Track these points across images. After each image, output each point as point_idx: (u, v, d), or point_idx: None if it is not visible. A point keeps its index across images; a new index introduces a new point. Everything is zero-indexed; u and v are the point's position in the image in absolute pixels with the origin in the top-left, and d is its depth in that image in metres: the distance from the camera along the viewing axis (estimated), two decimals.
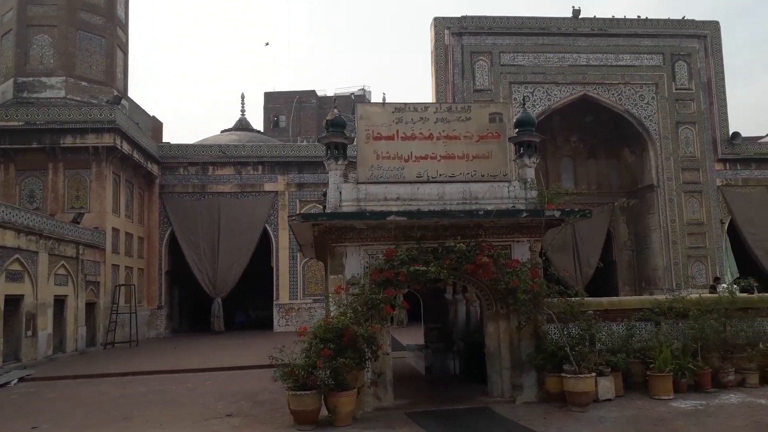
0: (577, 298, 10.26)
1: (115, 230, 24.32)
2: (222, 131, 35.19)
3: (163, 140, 32.31)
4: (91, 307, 22.20)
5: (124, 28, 26.75)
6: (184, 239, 28.20)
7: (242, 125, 35.36)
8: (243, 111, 35.87)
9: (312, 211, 23.70)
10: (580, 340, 10.01)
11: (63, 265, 19.95)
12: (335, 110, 10.37)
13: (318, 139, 9.95)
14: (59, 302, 19.87)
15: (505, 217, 10.03)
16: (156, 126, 36.82)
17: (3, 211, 16.68)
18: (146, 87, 73.05)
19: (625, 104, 29.73)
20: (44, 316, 18.56)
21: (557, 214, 10.08)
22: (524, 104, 11.68)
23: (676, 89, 30.28)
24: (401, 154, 10.42)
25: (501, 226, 10.33)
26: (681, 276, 28.44)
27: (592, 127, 31.46)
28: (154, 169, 27.76)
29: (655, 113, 29.92)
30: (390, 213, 9.72)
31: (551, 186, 10.70)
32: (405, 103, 10.59)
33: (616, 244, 31.63)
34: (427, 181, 10.42)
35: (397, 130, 10.47)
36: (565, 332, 10.20)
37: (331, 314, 9.56)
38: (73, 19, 24.20)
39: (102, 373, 15.70)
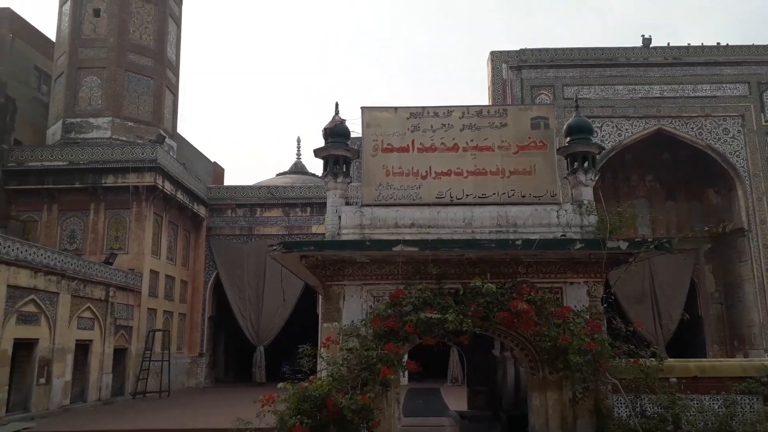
0: (654, 362, 7.31)
1: (154, 272, 22.92)
2: (277, 175, 33.98)
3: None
4: (120, 353, 20.58)
5: (174, 69, 26.14)
6: (228, 283, 26.57)
7: (297, 169, 34.05)
8: (299, 154, 34.63)
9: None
10: (660, 421, 7.05)
11: (89, 307, 18.48)
12: (337, 117, 8.17)
13: (314, 151, 7.69)
14: (83, 347, 18.32)
15: (553, 250, 7.38)
16: (217, 171, 36.12)
17: (18, 249, 15.39)
18: (210, 133, 74.59)
19: (706, 139, 26.12)
20: (62, 362, 16.98)
21: (624, 245, 7.32)
22: (577, 106, 9.07)
23: (765, 121, 26.43)
24: (417, 170, 8.08)
25: (548, 262, 7.66)
26: None
27: (669, 165, 27.88)
28: (201, 210, 26.54)
29: (742, 148, 26.12)
30: (397, 242, 7.28)
31: (615, 209, 7.95)
32: (423, 107, 8.28)
33: (702, 297, 27.46)
34: (451, 204, 7.98)
35: (413, 140, 8.15)
36: (638, 407, 7.28)
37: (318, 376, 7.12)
38: (121, 60, 23.70)
39: (103, 430, 13.71)
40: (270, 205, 27.39)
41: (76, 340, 17.87)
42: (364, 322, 7.36)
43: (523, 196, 7.97)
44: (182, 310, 25.74)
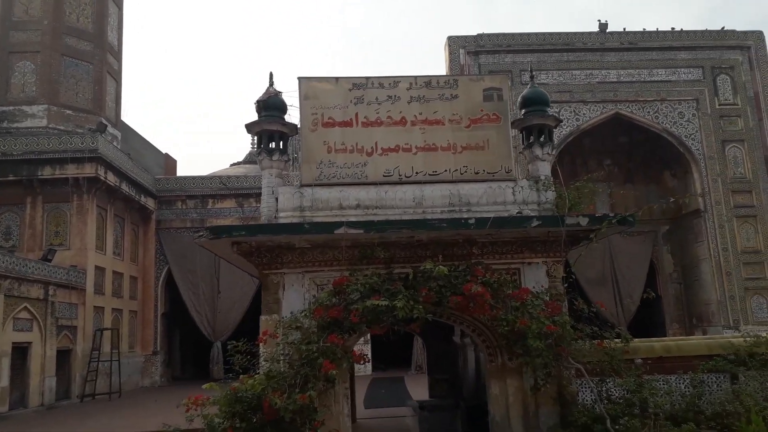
0: (619, 343, 6.85)
1: (99, 269, 21.71)
2: (231, 165, 32.85)
3: None
4: (65, 354, 19.41)
5: (116, 54, 24.78)
6: (181, 278, 25.47)
7: (252, 158, 32.89)
8: (253, 144, 33.49)
9: None
10: (627, 405, 6.61)
11: (26, 307, 17.30)
12: (271, 88, 7.45)
13: (245, 126, 6.95)
14: (21, 350, 17.15)
15: (509, 228, 6.84)
16: (169, 163, 34.69)
17: None
18: (161, 124, 72.28)
19: (662, 122, 26.17)
20: None
21: (584, 221, 6.83)
22: (532, 77, 8.55)
23: (719, 105, 26.65)
24: (362, 146, 7.43)
25: (504, 242, 7.13)
26: (738, 311, 24.44)
27: (627, 149, 27.93)
28: (149, 203, 25.33)
29: (697, 131, 26.30)
30: (340, 224, 6.63)
31: (573, 184, 7.47)
32: (366, 77, 7.62)
33: (661, 277, 27.70)
34: (399, 182, 7.36)
35: (357, 114, 7.49)
36: (603, 392, 6.85)
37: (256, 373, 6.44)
38: (57, 44, 22.26)
39: None
40: (222, 196, 26.35)
41: (13, 343, 16.69)
42: (305, 313, 6.69)
43: (477, 173, 7.42)
44: (133, 307, 24.56)
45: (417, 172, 7.36)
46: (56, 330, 18.76)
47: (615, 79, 26.38)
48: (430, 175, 7.37)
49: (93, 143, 20.82)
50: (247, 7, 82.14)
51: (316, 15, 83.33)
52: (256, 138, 7.42)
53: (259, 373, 6.33)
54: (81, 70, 22.86)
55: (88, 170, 20.68)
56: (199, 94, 79.68)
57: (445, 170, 7.37)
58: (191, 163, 72.78)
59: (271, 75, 7.56)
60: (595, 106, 26.05)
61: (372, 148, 7.38)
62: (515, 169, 7.50)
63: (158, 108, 74.55)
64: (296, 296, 7.00)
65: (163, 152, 34.26)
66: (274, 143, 7.34)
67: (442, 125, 7.47)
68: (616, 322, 21.75)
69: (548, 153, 7.51)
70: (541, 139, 7.51)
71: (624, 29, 27.42)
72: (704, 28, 28.09)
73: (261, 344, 6.81)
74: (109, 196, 22.35)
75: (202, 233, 6.69)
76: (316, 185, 7.27)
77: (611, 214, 6.85)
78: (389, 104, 7.48)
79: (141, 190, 24.47)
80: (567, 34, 27.08)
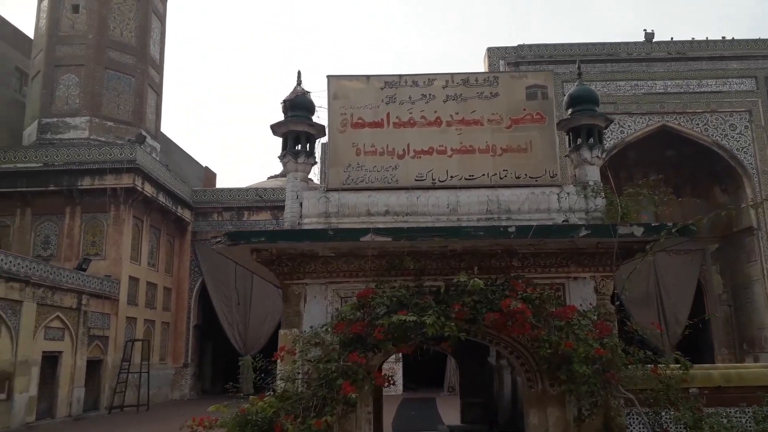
0: (678, 370, 6.04)
1: (134, 279, 21.67)
2: (268, 178, 32.77)
3: None
4: (95, 365, 19.30)
5: (158, 67, 25.00)
6: (214, 290, 25.28)
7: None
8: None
9: None
10: None
11: (58, 316, 17.24)
12: (299, 87, 6.96)
13: (271, 127, 6.48)
14: (50, 359, 17.07)
15: (553, 238, 6.13)
16: (209, 176, 34.97)
17: None
18: (203, 137, 73.40)
19: (712, 135, 24.94)
20: (25, 376, 15.70)
21: (638, 231, 6.07)
22: (579, 74, 7.85)
23: None
24: (393, 148, 6.84)
25: (547, 254, 6.41)
26: None
27: (674, 163, 26.64)
28: (186, 215, 25.32)
29: (749, 144, 24.94)
30: (366, 231, 6.05)
31: (626, 190, 6.73)
32: (399, 75, 7.05)
33: (709, 299, 26.21)
34: (433, 187, 6.74)
35: (388, 114, 6.92)
36: (658, 425, 6.04)
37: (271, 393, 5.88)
38: (101, 58, 22.57)
39: None
40: (258, 208, 26.17)
41: (43, 352, 16.61)
42: (326, 328, 6.11)
43: (518, 177, 6.74)
44: (165, 319, 24.46)
45: (452, 177, 6.73)
46: (87, 340, 18.68)
47: (662, 90, 25.33)
48: (466, 179, 6.73)
49: (131, 154, 20.90)
50: (290, 17, 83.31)
51: (353, 27, 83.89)
52: (281, 140, 6.93)
53: (273, 393, 5.76)
54: (123, 83, 23.09)
55: (126, 181, 20.75)
56: (241, 107, 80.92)
57: (483, 174, 6.72)
58: (231, 176, 73.73)
59: (299, 74, 7.10)
60: (641, 117, 25.03)
61: (404, 150, 6.80)
62: (560, 173, 6.81)
63: (200, 121, 75.91)
64: (318, 309, 6.43)
65: (203, 165, 34.53)
66: (300, 145, 6.84)
67: (481, 126, 6.84)
68: (661, 345, 20.52)
69: (597, 156, 6.80)
70: (590, 141, 6.81)
71: (671, 38, 26.32)
72: (757, 37, 26.75)
73: (279, 361, 6.24)
74: (146, 206, 22.37)
75: (219, 239, 6.20)
76: (343, 190, 6.72)
77: (669, 224, 6.08)
78: (423, 103, 6.90)
79: (178, 201, 24.47)
80: (611, 44, 26.14)
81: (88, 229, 21.00)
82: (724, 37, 26.31)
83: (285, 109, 6.90)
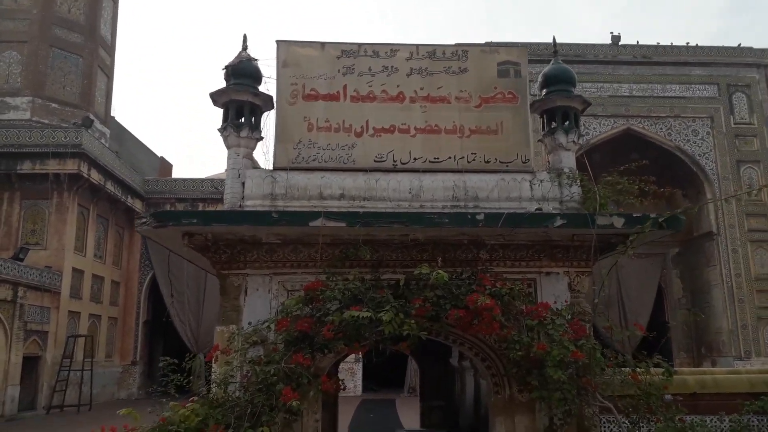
0: (662, 376, 5.46)
1: (78, 271, 20.35)
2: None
3: None
4: (32, 361, 17.99)
5: (109, 48, 23.66)
6: (165, 285, 24.05)
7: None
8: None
9: None
10: None
11: None
12: (244, 53, 6.15)
13: (210, 95, 5.64)
14: None
15: (526, 227, 5.49)
16: (164, 166, 33.48)
17: None
18: (159, 126, 71.22)
19: (675, 140, 25.03)
20: None
21: (619, 222, 5.48)
22: (555, 52, 7.25)
23: (735, 123, 25.50)
24: (350, 125, 6.10)
25: (518, 246, 5.77)
26: (751, 341, 23.07)
27: (636, 167, 26.54)
28: (136, 204, 24.02)
29: (711, 150, 25.11)
30: (317, 214, 5.29)
31: (603, 178, 6.17)
32: (359, 44, 6.31)
33: (669, 302, 26.30)
34: (393, 170, 6.03)
35: (345, 86, 6.17)
36: None
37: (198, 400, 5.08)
38: (45, 35, 21.14)
39: None
40: (214, 200, 25.00)
41: None
42: (268, 324, 5.34)
43: (487, 162, 6.08)
44: (113, 314, 23.16)
45: (415, 158, 6.03)
46: (24, 335, 17.36)
47: (627, 93, 25.30)
48: (431, 162, 6.04)
49: (77, 138, 19.61)
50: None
51: (322, 18, 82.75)
52: (222, 110, 6.10)
53: (200, 397, 4.97)
54: (70, 63, 21.70)
55: (70, 166, 19.46)
56: (203, 94, 78.86)
57: (449, 157, 6.04)
58: (189, 168, 71.64)
59: (245, 38, 6.28)
60: (606, 120, 24.92)
61: (362, 127, 6.06)
62: (533, 158, 6.19)
63: (157, 109, 73.56)
64: (261, 303, 5.64)
65: (159, 155, 33.10)
66: (244, 118, 6.03)
67: (448, 103, 6.15)
68: (621, 349, 20.34)
69: (573, 141, 6.20)
70: (566, 124, 6.21)
71: (637, 42, 26.31)
72: (720, 44, 27.00)
73: (214, 363, 5.43)
74: (93, 195, 21.06)
75: (145, 220, 5.36)
76: (292, 169, 5.94)
77: (653, 215, 5.51)
78: (384, 76, 6.17)
79: (128, 190, 23.18)
80: (578, 45, 25.98)
81: (27, 216, 19.62)
82: (688, 44, 26.46)
83: (227, 76, 6.08)
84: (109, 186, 21.60)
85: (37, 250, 18.99)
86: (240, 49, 6.21)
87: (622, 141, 24.86)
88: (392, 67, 6.23)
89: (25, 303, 17.35)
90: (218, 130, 6.03)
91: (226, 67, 6.05)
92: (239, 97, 5.99)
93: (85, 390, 19.67)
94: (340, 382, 5.81)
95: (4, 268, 16.53)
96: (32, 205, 19.65)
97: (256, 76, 6.14)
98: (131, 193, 23.52)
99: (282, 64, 6.15)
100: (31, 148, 19.33)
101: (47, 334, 18.67)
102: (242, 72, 6.04)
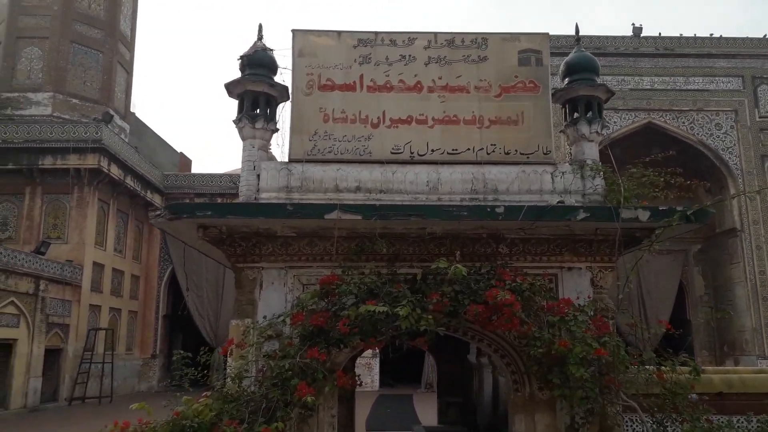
0: (689, 374, 5.27)
1: (98, 265, 20.52)
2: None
3: None
4: (54, 354, 18.17)
5: (128, 44, 23.77)
6: (184, 278, 24.18)
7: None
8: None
9: None
10: None
11: (12, 301, 16.09)
12: (259, 42, 6.05)
13: (225, 86, 5.54)
14: (4, 347, 15.94)
15: (547, 220, 5.32)
16: (184, 162, 33.67)
17: None
18: (180, 123, 71.64)
19: (698, 134, 24.48)
20: None
21: (644, 215, 5.28)
22: (578, 39, 7.05)
23: (759, 117, 24.87)
24: (367, 115, 5.97)
25: (539, 240, 5.60)
26: None
27: (659, 161, 26.00)
28: (155, 199, 24.15)
29: (735, 145, 24.54)
30: (333, 206, 5.17)
31: (627, 171, 5.98)
32: (375, 32, 6.17)
33: (690, 300, 25.81)
34: (411, 161, 5.89)
35: (362, 76, 6.03)
36: None
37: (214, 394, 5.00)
38: (66, 31, 21.29)
39: None
40: (233, 195, 25.04)
41: None
42: (284, 319, 5.24)
43: (507, 153, 5.91)
44: (133, 308, 23.34)
45: (433, 150, 5.88)
46: (46, 327, 17.53)
47: (648, 87, 24.80)
48: (449, 153, 5.88)
49: (97, 133, 19.73)
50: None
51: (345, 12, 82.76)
52: (237, 102, 6.01)
53: (215, 391, 4.89)
54: (90, 59, 21.84)
55: (91, 161, 19.58)
56: (218, 92, 79.26)
57: (468, 148, 5.88)
58: (209, 164, 72.15)
59: (260, 27, 6.17)
60: (627, 114, 24.48)
61: (379, 118, 5.93)
62: (555, 150, 5.99)
63: (177, 105, 74.10)
64: (276, 297, 5.54)
65: (178, 151, 33.30)
66: (259, 109, 5.93)
67: (467, 93, 5.99)
68: (642, 347, 20.03)
69: (597, 132, 5.99)
70: (589, 114, 6.00)
71: (659, 34, 25.78)
72: (745, 35, 26.31)
73: (229, 357, 5.35)
74: (113, 189, 21.21)
75: (159, 212, 5.28)
76: (307, 161, 5.83)
77: (681, 208, 5.30)
78: (402, 65, 6.03)
79: (147, 185, 23.31)
80: (598, 37, 25.55)
81: (49, 211, 19.79)
82: (712, 35, 25.85)
83: (242, 67, 5.97)
84: (129, 181, 21.75)
85: (58, 244, 19.18)
86: (255, 39, 6.10)
87: (643, 135, 24.39)
88: (410, 56, 6.08)
89: (47, 296, 17.53)
90: (233, 121, 5.94)
91: (241, 57, 5.95)
92: (254, 88, 5.88)
93: (106, 382, 19.87)
94: (357, 378, 5.68)
95: (26, 262, 16.70)
96: (54, 199, 19.83)
97: (272, 67, 6.03)
98: (150, 188, 23.66)
99: (297, 54, 6.03)
100: (52, 143, 19.51)
101: (69, 327, 18.86)
102: (257, 62, 5.94)
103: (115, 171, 20.61)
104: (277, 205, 5.38)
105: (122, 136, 22.46)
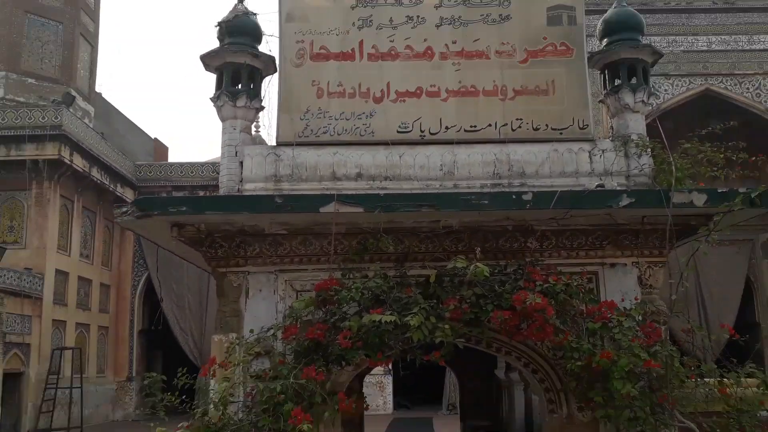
0: (757, 388, 5.22)
1: (62, 273, 20.70)
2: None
3: None
4: (13, 378, 18.34)
5: (92, 13, 23.89)
6: (163, 288, 24.30)
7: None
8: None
9: None
10: None
11: None
12: (240, 6, 6.02)
13: (201, 57, 5.53)
14: None
15: (584, 209, 5.26)
16: (159, 149, 33.84)
17: None
18: (154, 106, 72.01)
19: (765, 101, 24.32)
20: None
21: (700, 200, 5.20)
22: None
23: None
24: (368, 88, 5.96)
25: (575, 232, 5.57)
26: None
27: (719, 135, 25.89)
28: (127, 194, 24.30)
29: None
30: (330, 197, 5.14)
31: (682, 144, 5.92)
32: None
33: (759, 299, 25.70)
34: (421, 142, 5.86)
35: (362, 42, 6.01)
36: None
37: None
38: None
39: None
40: (216, 187, 25.10)
41: None
42: (274, 332, 5.23)
43: (536, 129, 5.86)
44: (103, 322, 23.54)
45: (447, 128, 5.83)
46: (3, 348, 17.68)
47: (705, 48, 24.71)
48: (466, 131, 5.84)
49: (56, 118, 19.87)
50: None
51: None
52: (216, 75, 5.98)
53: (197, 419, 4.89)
54: (48, 31, 21.95)
55: (50, 151, 19.74)
56: (199, 71, 79.62)
57: (489, 125, 5.83)
58: (186, 151, 72.52)
59: None
60: (680, 80, 24.37)
61: (382, 91, 5.89)
62: (592, 123, 5.93)
63: (151, 85, 74.55)
64: (265, 306, 5.53)
65: (153, 137, 33.49)
66: (241, 84, 5.91)
67: (486, 59, 5.93)
68: (702, 356, 19.95)
69: (642, 101, 5.91)
70: (633, 81, 5.93)
71: None
72: None
73: (211, 378, 5.35)
74: (77, 184, 21.37)
75: (126, 209, 5.27)
76: (299, 144, 5.80)
77: (745, 191, 5.21)
78: (409, 28, 5.98)
79: (117, 177, 23.49)
80: None
81: (4, 211, 20.02)
82: None
83: (221, 35, 5.98)
84: (95, 173, 21.89)
85: (15, 249, 19.30)
86: (236, 1, 6.07)
87: (699, 105, 24.26)
88: (418, 16, 6.05)
89: (3, 311, 17.67)
90: (210, 99, 5.95)
91: (219, 24, 5.96)
92: (235, 59, 5.88)
93: (75, 410, 20.06)
94: (364, 400, 5.67)
95: None
96: (9, 197, 20.01)
97: (255, 34, 6.03)
98: (121, 181, 23.81)
99: (286, 18, 6.03)
100: (5, 131, 19.64)
101: (30, 347, 19.04)
102: (239, 29, 5.93)
103: (78, 162, 20.74)
104: (263, 197, 5.39)
105: (86, 120, 22.59)
